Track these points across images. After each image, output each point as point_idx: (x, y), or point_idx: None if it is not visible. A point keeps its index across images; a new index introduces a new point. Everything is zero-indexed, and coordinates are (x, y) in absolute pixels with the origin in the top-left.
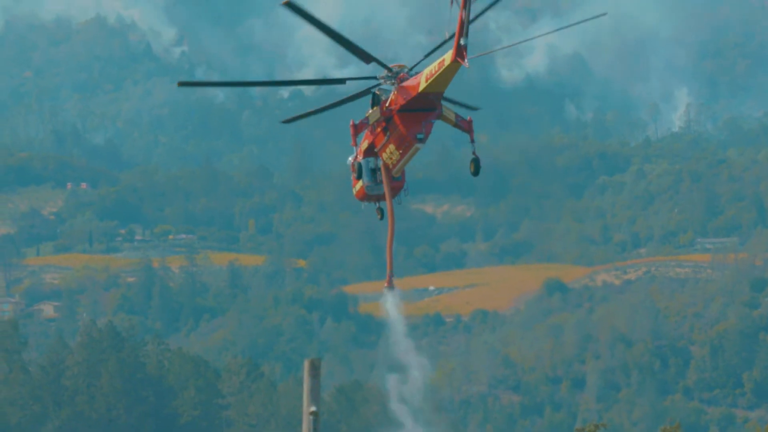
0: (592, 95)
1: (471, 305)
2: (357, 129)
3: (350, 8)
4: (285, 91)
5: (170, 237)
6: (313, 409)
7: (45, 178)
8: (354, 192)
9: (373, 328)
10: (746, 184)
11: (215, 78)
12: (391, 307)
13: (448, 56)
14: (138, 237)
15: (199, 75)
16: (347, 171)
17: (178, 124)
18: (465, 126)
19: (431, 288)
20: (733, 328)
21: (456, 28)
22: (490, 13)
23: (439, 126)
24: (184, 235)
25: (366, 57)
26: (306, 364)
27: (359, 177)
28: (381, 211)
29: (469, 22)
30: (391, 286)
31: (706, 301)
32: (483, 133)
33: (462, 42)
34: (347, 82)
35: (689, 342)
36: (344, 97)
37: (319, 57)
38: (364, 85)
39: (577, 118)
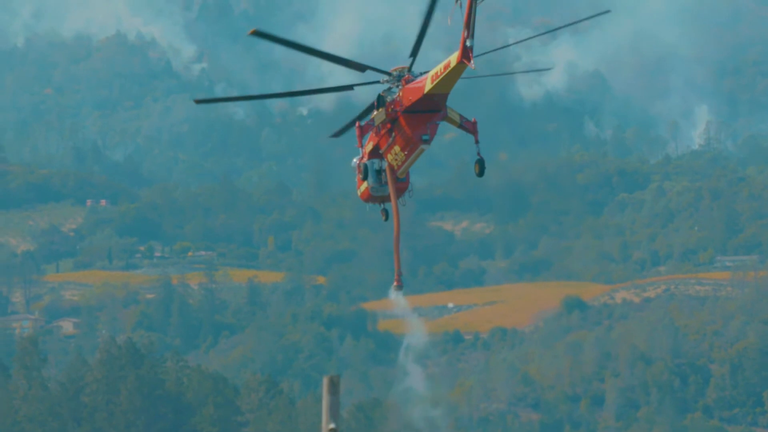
0: (612, 113)
1: (490, 323)
2: (363, 131)
3: (369, 26)
4: (304, 108)
5: (189, 254)
6: (332, 426)
7: (65, 194)
8: (358, 193)
9: (392, 346)
10: (766, 202)
11: (235, 95)
12: (400, 301)
13: (453, 58)
14: (157, 254)
15: (219, 92)
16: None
17: (197, 141)
18: (470, 127)
19: (450, 305)
20: (753, 347)
21: (462, 29)
22: (509, 30)
23: (458, 143)
24: (203, 252)
25: (359, 67)
26: (325, 381)
27: (365, 178)
28: (386, 213)
29: (475, 23)
30: (400, 285)
31: (725, 319)
32: (502, 150)
33: (468, 43)
34: (355, 88)
35: (709, 360)
36: (361, 111)
37: (338, 74)
38: (372, 90)
39: (596, 136)
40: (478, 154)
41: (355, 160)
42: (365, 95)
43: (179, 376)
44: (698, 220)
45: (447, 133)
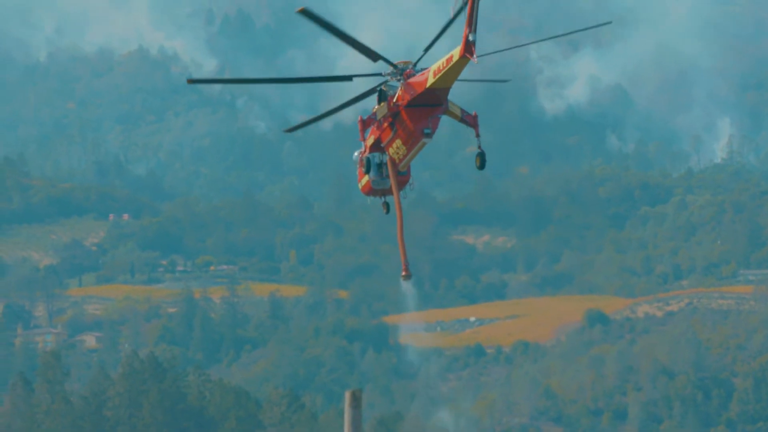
0: (634, 126)
1: (512, 336)
2: (365, 125)
3: (391, 40)
4: (327, 122)
5: (211, 268)
6: None
7: (87, 209)
8: (360, 186)
9: (414, 359)
10: None
11: (256, 110)
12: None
13: (456, 52)
14: (179, 268)
15: (240, 106)
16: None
17: (219, 155)
18: (470, 121)
19: (472, 319)
20: None
21: (464, 25)
22: (531, 44)
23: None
24: (225, 266)
25: (373, 55)
26: (347, 395)
27: (367, 171)
28: (387, 206)
29: (477, 18)
30: (408, 275)
31: (748, 333)
32: (524, 164)
33: (470, 38)
34: (354, 79)
35: (732, 374)
36: (351, 98)
37: (359, 87)
38: (369, 82)
39: (618, 149)
40: (479, 147)
41: (356, 153)
42: (354, 82)
43: (201, 390)
44: (721, 233)
45: (469, 147)
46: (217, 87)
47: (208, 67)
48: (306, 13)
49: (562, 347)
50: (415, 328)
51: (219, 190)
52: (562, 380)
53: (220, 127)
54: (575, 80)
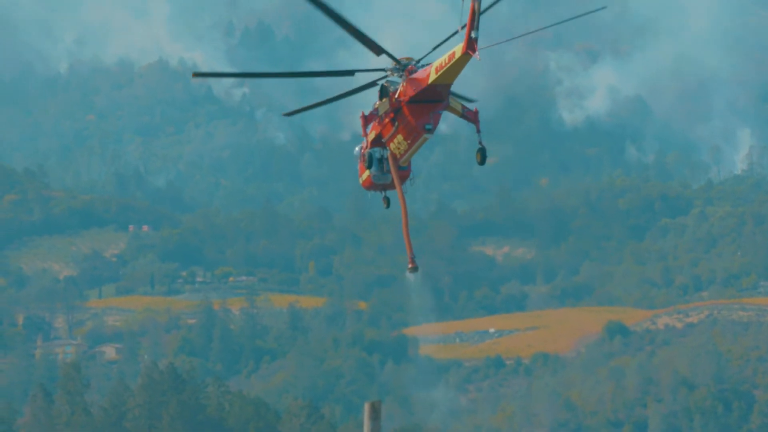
0: (654, 137)
1: (532, 348)
2: (367, 120)
3: (410, 52)
4: (346, 133)
5: (231, 279)
6: None
7: (107, 220)
8: (360, 181)
9: (433, 371)
10: None
11: (276, 121)
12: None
13: (458, 49)
14: (199, 279)
15: (260, 117)
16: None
17: (239, 166)
18: (471, 117)
19: (492, 330)
20: None
21: (467, 21)
22: (550, 54)
23: (500, 169)
24: (244, 277)
25: (377, 49)
26: (366, 407)
27: (369, 166)
28: (387, 200)
29: (480, 14)
30: (415, 267)
31: None
32: (543, 175)
33: (473, 35)
34: (356, 74)
35: (752, 386)
36: (351, 89)
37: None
38: (371, 77)
39: (638, 160)
40: (480, 142)
41: (357, 148)
42: (356, 77)
43: (221, 402)
44: (741, 245)
45: (490, 158)
46: (237, 97)
47: (228, 78)
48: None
49: (582, 359)
50: (434, 340)
51: (238, 202)
52: (582, 392)
53: (239, 139)
54: (595, 91)
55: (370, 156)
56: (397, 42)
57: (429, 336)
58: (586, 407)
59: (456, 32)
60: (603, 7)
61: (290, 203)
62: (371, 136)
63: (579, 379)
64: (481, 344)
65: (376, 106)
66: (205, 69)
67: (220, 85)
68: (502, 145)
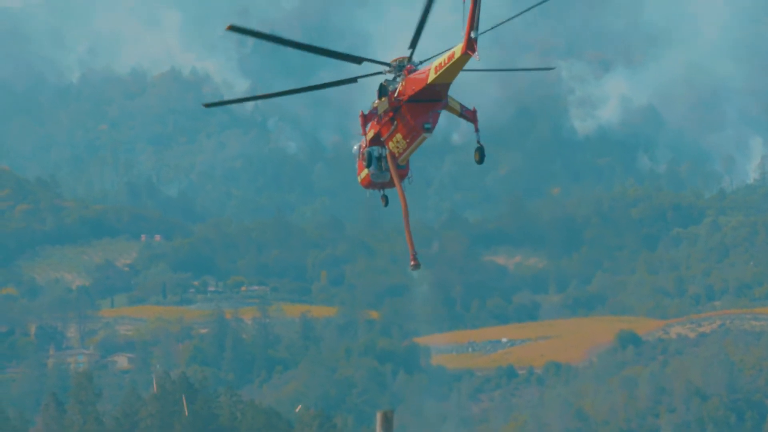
0: (666, 146)
1: (544, 357)
2: (366, 119)
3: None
4: (357, 143)
5: (243, 289)
6: None
7: (119, 230)
8: (359, 179)
9: (445, 381)
10: None
11: (288, 131)
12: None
13: (458, 49)
14: (211, 288)
15: (272, 126)
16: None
17: (251, 176)
18: (470, 116)
19: (504, 340)
20: None
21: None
22: (562, 63)
23: (511, 178)
24: (256, 287)
25: (355, 59)
26: (378, 417)
27: (368, 165)
28: (385, 198)
29: (479, 15)
30: (417, 264)
31: None
32: (555, 185)
33: (472, 35)
34: (358, 80)
35: (765, 396)
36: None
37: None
38: (374, 81)
39: (650, 170)
40: (478, 142)
41: (355, 147)
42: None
43: (233, 411)
44: (754, 254)
45: (501, 168)
46: (249, 107)
47: (240, 87)
48: (234, 28)
49: (594, 368)
50: (446, 349)
51: (250, 211)
52: (594, 402)
53: (251, 148)
54: (606, 100)
55: (369, 154)
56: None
57: (441, 345)
58: (599, 417)
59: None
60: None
61: (302, 213)
62: (370, 134)
63: (591, 388)
64: (493, 354)
65: (375, 105)
66: (217, 78)
67: (232, 95)
68: (513, 155)
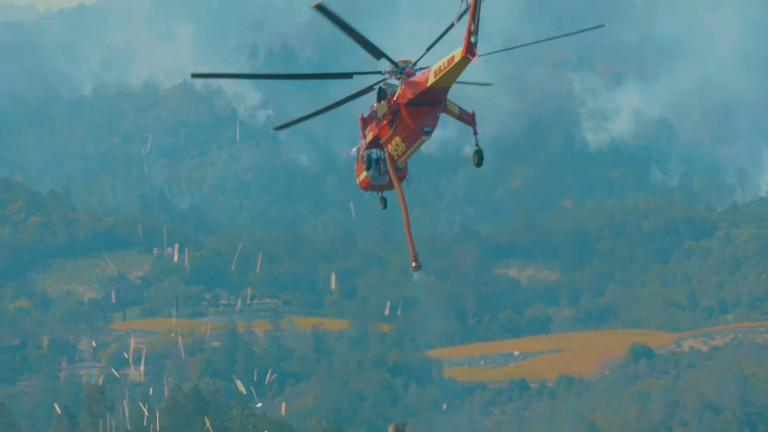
0: (678, 159)
1: (556, 370)
2: (365, 122)
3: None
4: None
5: (255, 301)
6: None
7: (132, 242)
8: (357, 181)
9: (457, 393)
10: None
11: (300, 143)
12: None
13: (458, 53)
14: (223, 301)
15: (283, 139)
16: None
17: (262, 188)
18: (468, 119)
19: (516, 353)
20: None
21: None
22: (574, 76)
23: (523, 192)
24: (268, 300)
25: (377, 53)
26: (390, 429)
27: (368, 168)
28: (384, 200)
29: (479, 20)
30: (418, 265)
31: None
32: (567, 197)
33: (472, 39)
34: (354, 76)
35: None
36: (347, 95)
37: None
38: (369, 79)
39: (662, 183)
40: (477, 145)
41: (354, 149)
42: (354, 79)
43: (245, 424)
44: (766, 267)
45: (514, 180)
46: (261, 119)
47: (252, 100)
48: (321, 8)
49: (606, 382)
50: (458, 362)
51: (262, 224)
52: (606, 415)
53: (263, 161)
54: (619, 113)
55: (369, 157)
56: (421, 63)
57: (453, 358)
58: (611, 430)
59: (452, 25)
60: (601, 25)
61: (314, 225)
62: (369, 137)
63: (603, 402)
64: (505, 367)
65: (375, 108)
66: (229, 92)
67: (244, 107)
68: (526, 167)
